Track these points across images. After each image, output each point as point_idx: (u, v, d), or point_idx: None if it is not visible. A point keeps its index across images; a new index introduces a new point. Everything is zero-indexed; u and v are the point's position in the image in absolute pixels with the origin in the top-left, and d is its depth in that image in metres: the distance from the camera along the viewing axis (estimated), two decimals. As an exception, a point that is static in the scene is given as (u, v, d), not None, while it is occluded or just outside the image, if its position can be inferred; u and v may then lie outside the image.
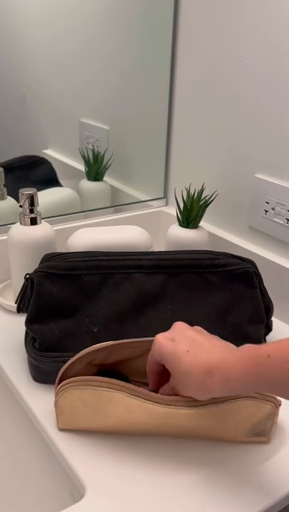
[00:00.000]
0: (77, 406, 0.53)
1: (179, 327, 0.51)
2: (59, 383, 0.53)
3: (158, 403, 0.50)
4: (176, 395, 0.50)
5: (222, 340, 0.49)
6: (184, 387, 0.47)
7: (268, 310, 0.67)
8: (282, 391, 0.44)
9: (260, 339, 0.66)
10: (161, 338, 0.49)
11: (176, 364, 0.47)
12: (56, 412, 0.54)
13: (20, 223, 0.74)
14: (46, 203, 0.86)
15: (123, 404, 0.51)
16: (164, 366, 0.50)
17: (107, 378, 0.51)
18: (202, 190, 0.82)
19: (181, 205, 0.82)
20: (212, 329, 0.62)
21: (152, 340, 0.54)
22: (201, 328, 0.51)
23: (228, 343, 0.49)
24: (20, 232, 0.73)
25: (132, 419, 0.52)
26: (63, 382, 0.52)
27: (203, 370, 0.45)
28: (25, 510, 0.63)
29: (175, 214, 0.83)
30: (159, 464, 0.52)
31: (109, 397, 0.51)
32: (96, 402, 0.52)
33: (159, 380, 0.52)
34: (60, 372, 0.53)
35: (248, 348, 0.45)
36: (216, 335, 0.51)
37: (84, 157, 0.90)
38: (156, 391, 0.52)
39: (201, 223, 0.85)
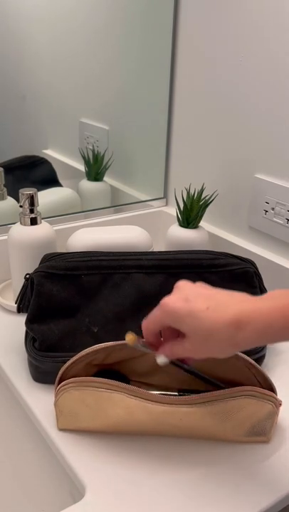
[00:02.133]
0: (76, 406, 0.53)
1: (184, 286, 0.46)
2: (59, 383, 0.53)
3: (158, 402, 0.50)
4: (190, 358, 0.47)
5: (232, 291, 0.46)
6: (208, 347, 0.44)
7: (268, 310, 0.67)
8: None
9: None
10: (172, 301, 0.45)
11: (196, 325, 0.43)
12: (56, 412, 0.54)
13: (21, 223, 0.74)
14: (46, 203, 0.86)
15: (122, 404, 0.51)
16: (163, 328, 0.47)
17: (106, 379, 0.51)
18: (202, 190, 0.82)
19: (181, 205, 0.82)
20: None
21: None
22: (204, 283, 0.48)
23: (243, 293, 0.45)
24: (21, 232, 0.73)
25: (131, 418, 0.52)
26: (63, 382, 0.52)
27: (232, 324, 0.41)
28: (26, 510, 0.63)
29: (175, 214, 0.83)
30: (159, 464, 0.52)
31: (108, 398, 0.51)
32: (95, 402, 0.52)
33: (159, 340, 0.49)
34: (60, 373, 0.53)
35: (283, 293, 0.43)
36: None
37: (84, 157, 0.90)
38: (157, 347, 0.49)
39: (201, 223, 0.85)
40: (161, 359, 0.48)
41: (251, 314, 0.42)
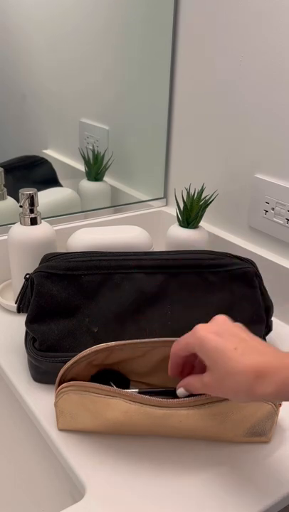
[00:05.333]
0: (76, 409, 0.53)
1: (222, 321, 0.47)
2: (59, 384, 0.53)
3: (157, 406, 0.50)
4: (197, 392, 0.48)
5: (267, 343, 0.46)
6: (224, 387, 0.44)
7: (268, 310, 0.67)
8: None
9: (260, 339, 0.66)
10: (204, 331, 0.45)
11: (220, 361, 0.43)
12: (56, 412, 0.54)
13: (21, 223, 0.74)
14: (46, 203, 0.86)
15: (121, 409, 0.51)
16: (188, 357, 0.48)
17: (105, 386, 0.51)
18: (202, 190, 0.82)
19: (181, 205, 0.82)
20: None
21: (152, 342, 0.54)
22: (242, 326, 0.48)
23: (274, 347, 0.45)
24: (21, 232, 0.73)
25: (131, 422, 0.52)
26: (62, 385, 0.52)
27: (254, 371, 0.41)
28: (26, 510, 0.63)
29: (175, 214, 0.83)
30: (159, 464, 0.52)
31: (107, 403, 0.51)
32: (94, 406, 0.52)
33: (181, 365, 0.50)
34: (60, 373, 0.53)
35: None
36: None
37: (84, 157, 0.90)
38: (175, 374, 0.50)
39: (201, 223, 0.85)
40: (180, 391, 0.50)
41: (274, 366, 0.42)
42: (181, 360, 0.50)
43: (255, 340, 0.45)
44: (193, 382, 0.48)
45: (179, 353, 0.49)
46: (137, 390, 0.54)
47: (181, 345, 0.48)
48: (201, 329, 0.46)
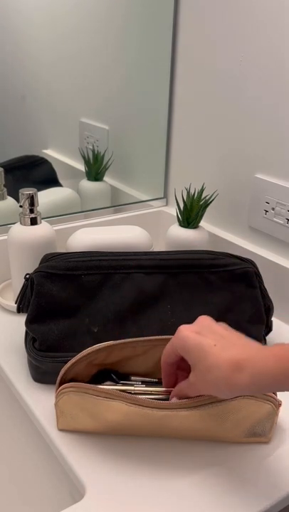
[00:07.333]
0: (76, 409, 0.53)
1: (205, 321, 0.49)
2: (60, 385, 0.53)
3: (156, 408, 0.50)
4: (189, 396, 0.49)
5: (250, 338, 0.48)
6: (206, 383, 0.45)
7: (268, 310, 0.67)
8: None
9: (260, 339, 0.66)
10: (186, 330, 0.47)
11: (201, 358, 0.45)
12: (56, 412, 0.54)
13: (21, 223, 0.74)
14: (46, 202, 0.86)
15: (121, 411, 0.50)
16: (179, 362, 0.49)
17: (105, 388, 0.51)
18: (202, 190, 0.82)
19: (181, 205, 0.82)
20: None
21: (152, 340, 0.54)
22: (227, 325, 0.49)
23: (256, 341, 0.47)
24: (21, 232, 0.73)
25: (131, 424, 0.52)
26: (63, 385, 0.52)
27: (231, 364, 0.43)
28: (26, 511, 0.63)
29: (175, 214, 0.83)
30: (159, 464, 0.52)
31: (107, 405, 0.51)
32: (95, 407, 0.52)
33: (174, 374, 0.51)
34: (61, 373, 0.53)
35: (281, 344, 0.44)
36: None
37: (84, 157, 0.90)
38: (170, 385, 0.51)
39: (201, 223, 0.85)
40: (173, 401, 0.50)
41: (250, 358, 0.43)
42: (171, 368, 0.51)
43: (235, 336, 0.47)
44: (182, 386, 0.49)
45: (168, 360, 0.50)
46: (141, 379, 0.55)
47: (167, 351, 0.50)
48: (182, 329, 0.47)
